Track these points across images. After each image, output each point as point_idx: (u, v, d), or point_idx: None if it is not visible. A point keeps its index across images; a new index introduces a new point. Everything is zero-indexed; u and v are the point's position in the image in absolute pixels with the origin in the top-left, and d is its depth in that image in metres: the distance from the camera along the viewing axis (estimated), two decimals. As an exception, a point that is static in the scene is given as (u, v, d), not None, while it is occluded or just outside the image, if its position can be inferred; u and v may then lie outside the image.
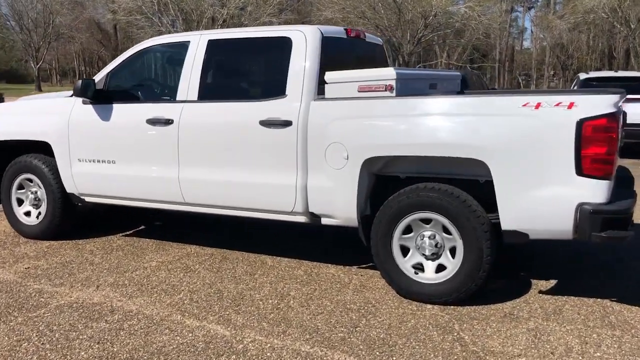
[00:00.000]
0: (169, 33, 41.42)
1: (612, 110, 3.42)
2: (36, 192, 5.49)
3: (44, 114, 5.33)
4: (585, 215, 3.47)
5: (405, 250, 4.03)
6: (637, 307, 3.84)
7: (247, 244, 5.31)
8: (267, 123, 4.27)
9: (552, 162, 3.51)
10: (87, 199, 5.26)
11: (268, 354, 3.23)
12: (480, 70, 42.51)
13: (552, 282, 4.35)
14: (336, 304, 3.92)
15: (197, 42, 4.72)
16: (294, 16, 44.59)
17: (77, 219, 5.60)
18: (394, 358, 3.17)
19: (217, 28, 42.21)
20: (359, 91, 4.07)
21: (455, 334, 3.47)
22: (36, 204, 5.52)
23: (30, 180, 5.48)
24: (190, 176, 4.64)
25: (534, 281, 4.36)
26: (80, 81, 4.84)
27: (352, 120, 4.04)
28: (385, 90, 3.98)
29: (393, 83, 3.96)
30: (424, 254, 3.96)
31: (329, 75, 4.17)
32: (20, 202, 5.61)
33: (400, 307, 3.88)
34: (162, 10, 42.17)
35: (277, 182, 4.31)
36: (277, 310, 3.82)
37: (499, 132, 3.62)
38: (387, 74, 3.98)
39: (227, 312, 3.79)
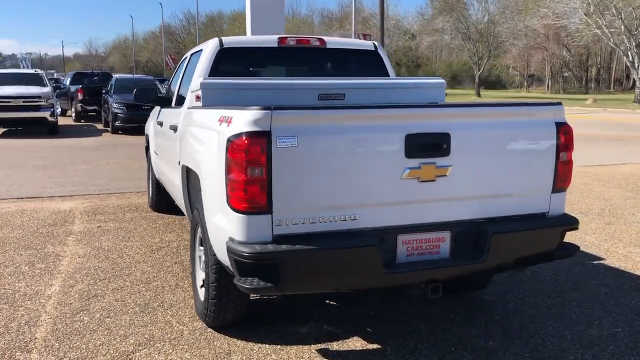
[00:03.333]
0: (605, 34, 38.53)
1: (253, 128, 2.74)
2: (154, 175, 7.19)
3: (153, 115, 6.93)
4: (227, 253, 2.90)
5: (203, 262, 3.97)
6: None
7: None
8: (171, 127, 4.77)
9: (223, 185, 3.03)
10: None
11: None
12: None
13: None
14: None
15: (186, 56, 5.48)
16: None
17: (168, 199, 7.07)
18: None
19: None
20: (195, 100, 4.18)
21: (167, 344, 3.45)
22: (157, 185, 7.22)
23: (156, 166, 7.19)
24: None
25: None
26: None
27: (186, 128, 4.20)
28: (198, 100, 4.00)
29: (199, 93, 3.95)
30: (205, 269, 3.85)
31: (192, 85, 4.38)
32: (156, 182, 7.41)
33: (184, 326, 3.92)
34: (598, 11, 39.36)
35: (174, 179, 4.77)
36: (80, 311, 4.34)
37: (203, 146, 3.34)
38: (196, 84, 3.98)
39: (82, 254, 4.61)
